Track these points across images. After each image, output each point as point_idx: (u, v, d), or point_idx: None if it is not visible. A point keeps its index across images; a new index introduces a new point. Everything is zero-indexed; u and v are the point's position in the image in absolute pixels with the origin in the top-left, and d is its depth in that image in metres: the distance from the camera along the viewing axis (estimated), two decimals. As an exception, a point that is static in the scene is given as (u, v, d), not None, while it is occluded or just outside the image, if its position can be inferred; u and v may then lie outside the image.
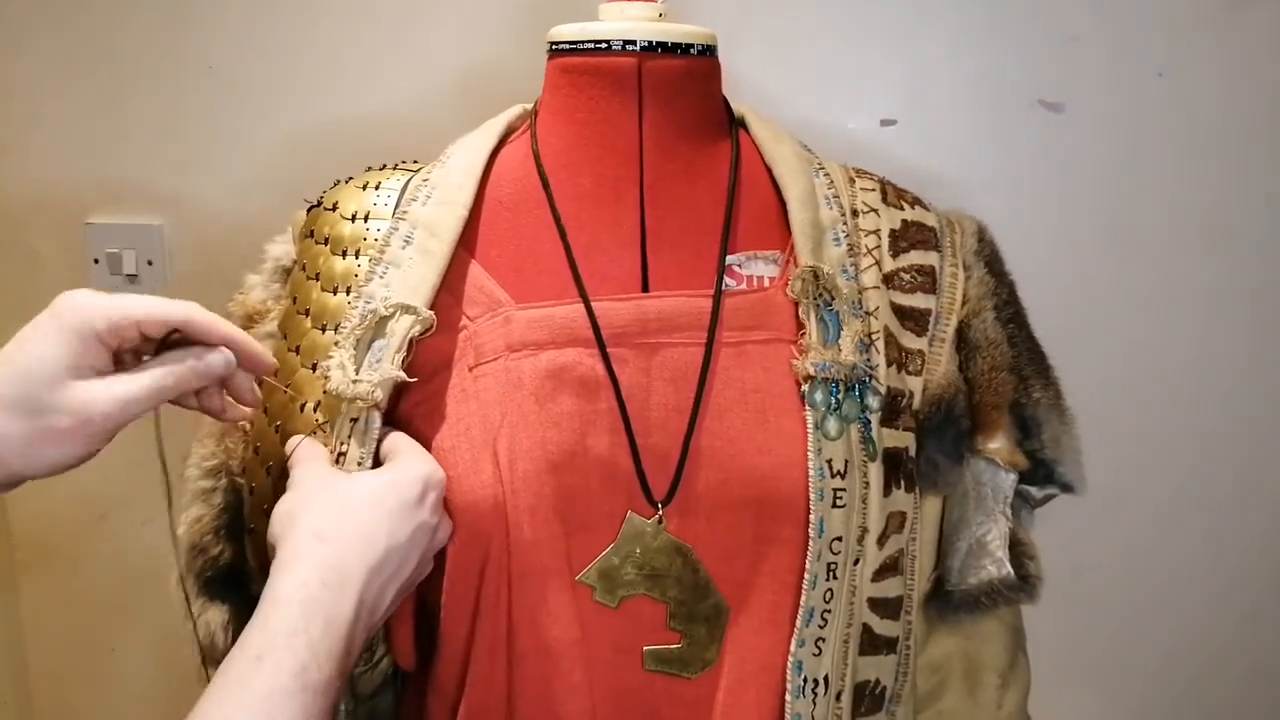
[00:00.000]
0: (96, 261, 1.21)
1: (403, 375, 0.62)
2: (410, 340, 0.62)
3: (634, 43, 0.66)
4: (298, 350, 0.67)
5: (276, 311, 0.71)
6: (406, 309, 0.63)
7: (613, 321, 0.63)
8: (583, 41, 0.67)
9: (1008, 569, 0.69)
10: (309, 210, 0.72)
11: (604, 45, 0.66)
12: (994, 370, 0.69)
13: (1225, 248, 1.05)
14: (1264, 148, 1.03)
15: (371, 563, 0.54)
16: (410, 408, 0.64)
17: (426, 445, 0.62)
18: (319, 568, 0.53)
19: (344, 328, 0.64)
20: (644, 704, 0.63)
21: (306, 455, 0.61)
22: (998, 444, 0.69)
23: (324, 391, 0.63)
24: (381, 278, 0.65)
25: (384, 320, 0.63)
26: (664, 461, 0.62)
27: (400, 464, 0.60)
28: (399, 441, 0.62)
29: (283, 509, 0.57)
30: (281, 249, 0.73)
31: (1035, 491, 0.72)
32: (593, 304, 0.63)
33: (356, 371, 0.62)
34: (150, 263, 1.20)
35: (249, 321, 0.71)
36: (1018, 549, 0.70)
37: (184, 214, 1.19)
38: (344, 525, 0.55)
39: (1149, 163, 1.04)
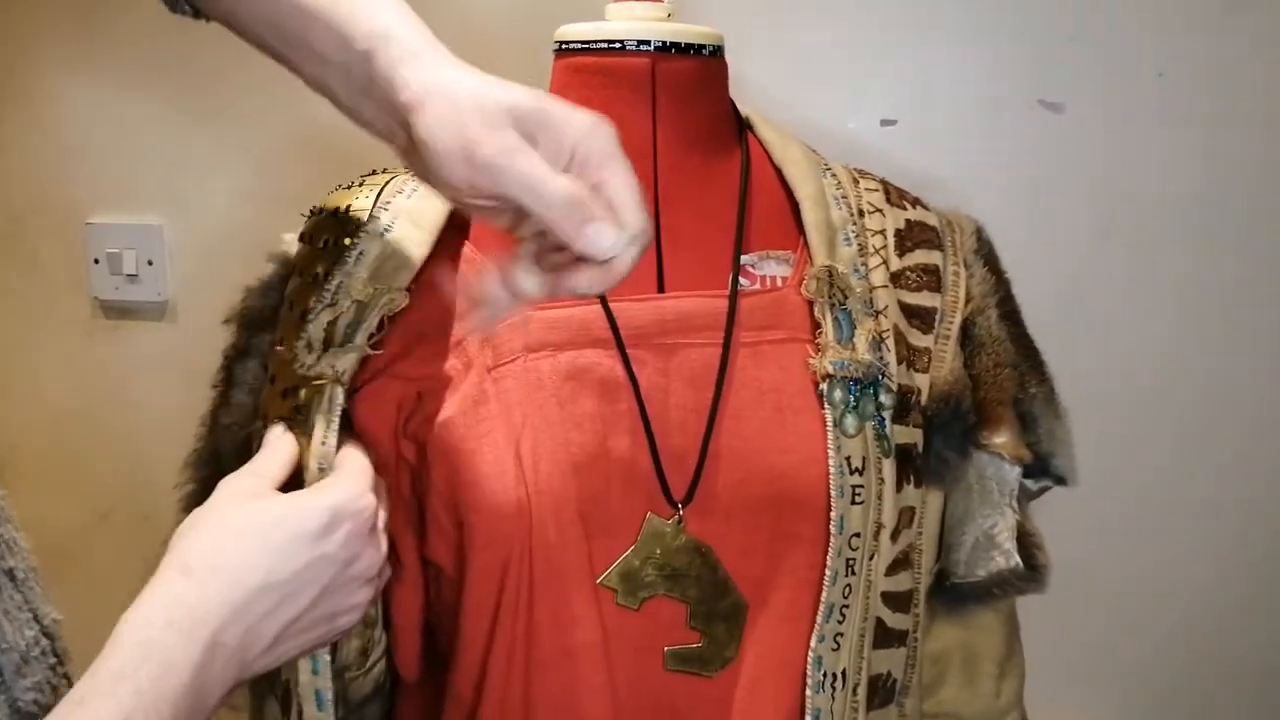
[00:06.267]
0: (96, 261, 1.21)
1: (368, 350, 0.61)
2: (382, 319, 0.62)
3: (648, 43, 0.65)
4: (282, 342, 0.66)
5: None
6: (379, 289, 0.62)
7: (631, 322, 0.63)
8: (596, 41, 0.66)
9: (1016, 560, 0.70)
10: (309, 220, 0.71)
11: (618, 45, 0.66)
12: (998, 367, 0.70)
13: (1225, 247, 1.06)
14: (1263, 147, 1.03)
15: (235, 601, 0.50)
16: (430, 410, 0.63)
17: (447, 449, 0.61)
18: (170, 605, 0.49)
19: (314, 306, 0.63)
20: (665, 704, 0.63)
21: (256, 465, 0.59)
22: (1003, 438, 0.70)
23: (292, 369, 0.62)
24: (356, 262, 0.64)
25: (358, 303, 0.62)
26: (682, 462, 0.62)
27: (320, 489, 0.56)
28: (344, 459, 0.59)
29: (186, 522, 0.54)
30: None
31: (1031, 484, 0.73)
32: (611, 305, 0.63)
33: (325, 349, 0.61)
34: (150, 263, 1.20)
35: None
36: (1026, 540, 0.71)
37: (184, 214, 1.19)
38: (215, 559, 0.52)
39: (1149, 162, 1.05)
